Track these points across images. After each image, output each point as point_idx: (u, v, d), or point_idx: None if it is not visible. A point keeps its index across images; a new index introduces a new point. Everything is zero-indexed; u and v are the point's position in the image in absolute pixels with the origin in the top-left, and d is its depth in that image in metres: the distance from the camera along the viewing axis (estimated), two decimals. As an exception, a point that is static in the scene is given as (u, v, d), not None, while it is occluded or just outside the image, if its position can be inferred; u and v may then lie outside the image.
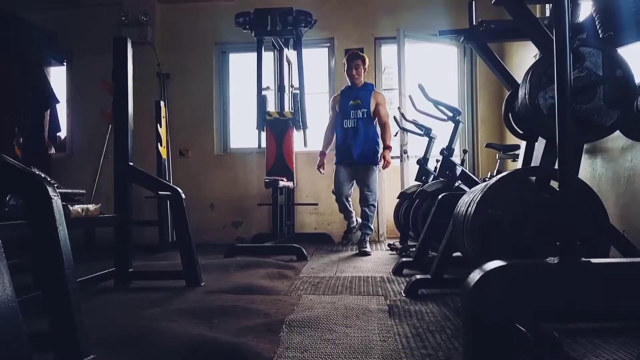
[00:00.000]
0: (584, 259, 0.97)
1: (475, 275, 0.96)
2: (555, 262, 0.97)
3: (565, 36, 1.51)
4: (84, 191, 2.05)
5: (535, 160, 1.84)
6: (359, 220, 4.17)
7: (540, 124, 1.61)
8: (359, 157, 3.96)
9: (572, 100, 1.57)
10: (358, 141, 3.97)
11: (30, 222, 1.46)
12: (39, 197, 1.40)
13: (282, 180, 4.00)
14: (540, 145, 1.88)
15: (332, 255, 3.97)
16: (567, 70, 1.43)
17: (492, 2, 2.23)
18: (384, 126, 4.00)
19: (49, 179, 3.13)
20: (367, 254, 3.86)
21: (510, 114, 2.06)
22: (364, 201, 3.99)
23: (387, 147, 3.96)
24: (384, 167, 3.94)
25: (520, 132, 2.05)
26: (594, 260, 0.97)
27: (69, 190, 1.91)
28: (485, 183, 1.74)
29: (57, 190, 1.48)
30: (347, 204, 4.08)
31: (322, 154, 4.18)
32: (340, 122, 4.05)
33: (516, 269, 0.97)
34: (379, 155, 4.00)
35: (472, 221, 1.63)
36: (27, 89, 4.68)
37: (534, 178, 1.72)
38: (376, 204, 4.06)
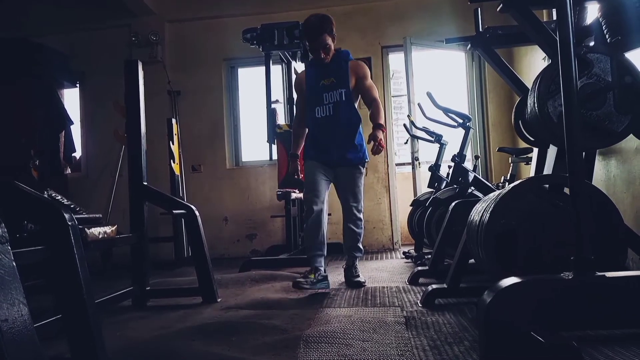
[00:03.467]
0: (598, 274, 0.96)
1: (491, 292, 0.96)
2: (570, 277, 0.97)
3: (569, 44, 1.51)
4: (100, 215, 2.09)
5: (548, 167, 1.83)
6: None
7: (550, 132, 1.61)
8: (341, 157, 2.86)
9: (582, 107, 1.56)
10: (338, 135, 2.84)
11: (49, 249, 1.50)
12: (56, 224, 1.43)
13: (295, 192, 4.02)
14: (552, 151, 1.87)
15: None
16: (573, 76, 1.43)
17: (498, 9, 2.24)
18: (372, 104, 2.87)
19: (65, 201, 3.19)
20: (361, 284, 2.85)
21: (520, 121, 2.05)
22: (350, 215, 2.89)
23: (378, 126, 2.77)
24: (375, 151, 2.73)
25: (531, 139, 2.04)
26: (608, 274, 0.96)
27: (86, 216, 1.95)
28: (498, 192, 1.73)
29: (74, 217, 1.51)
30: (322, 216, 2.84)
31: (294, 156, 3.03)
32: (311, 111, 2.88)
33: (531, 286, 0.97)
34: (365, 150, 2.94)
35: (486, 231, 1.63)
36: (42, 111, 4.78)
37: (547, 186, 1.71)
38: (362, 216, 2.96)
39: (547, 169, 1.84)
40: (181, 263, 4.40)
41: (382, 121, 2.83)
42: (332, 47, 2.85)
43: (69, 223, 1.44)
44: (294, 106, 3.18)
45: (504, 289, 0.95)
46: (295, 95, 3.33)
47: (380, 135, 2.73)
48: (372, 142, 2.72)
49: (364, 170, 2.96)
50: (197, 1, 5.30)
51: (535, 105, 1.66)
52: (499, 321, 0.95)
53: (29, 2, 5.20)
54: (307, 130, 3.02)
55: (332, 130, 2.85)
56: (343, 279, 3.00)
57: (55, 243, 1.48)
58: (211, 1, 5.28)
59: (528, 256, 1.54)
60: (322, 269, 2.76)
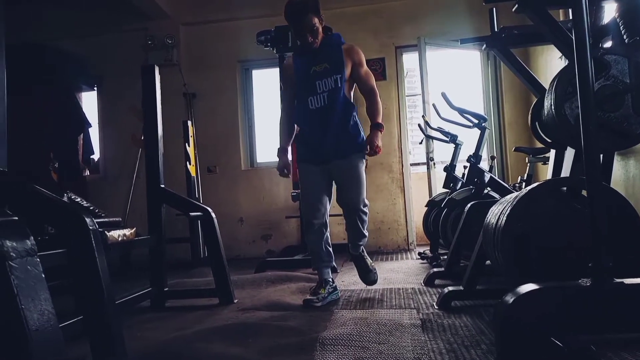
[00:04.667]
0: (617, 280, 0.96)
1: (509, 298, 0.96)
2: (588, 284, 0.96)
3: (585, 45, 1.50)
4: (120, 219, 2.13)
5: (566, 169, 1.81)
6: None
7: (568, 134, 1.59)
8: (336, 149, 2.53)
9: (599, 109, 1.55)
10: (332, 128, 2.50)
11: (70, 253, 1.53)
12: (78, 228, 1.46)
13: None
14: (570, 153, 1.85)
15: (362, 266, 3.96)
16: (590, 78, 1.42)
17: (513, 9, 2.22)
18: (369, 94, 2.57)
19: (85, 203, 3.25)
20: (372, 278, 2.75)
21: (537, 123, 2.03)
22: (352, 208, 2.57)
23: (377, 126, 2.50)
24: (371, 154, 2.47)
25: (548, 140, 2.02)
26: (627, 281, 0.96)
27: (106, 219, 1.99)
28: (515, 195, 1.72)
29: (95, 221, 1.54)
30: (324, 228, 2.62)
31: (283, 150, 2.67)
32: (302, 102, 2.56)
33: (549, 293, 0.97)
34: (363, 137, 2.58)
35: (503, 234, 1.62)
36: (61, 114, 4.88)
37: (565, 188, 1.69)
38: (367, 208, 2.64)
39: (565, 171, 1.82)
40: (197, 263, 4.45)
41: (380, 119, 2.55)
42: (321, 31, 2.49)
43: (90, 227, 1.47)
44: (280, 100, 2.71)
45: (522, 295, 0.95)
46: (281, 88, 2.92)
47: (378, 139, 2.47)
48: (368, 148, 2.46)
49: (363, 160, 2.60)
50: (211, 4, 5.35)
51: (552, 107, 1.65)
52: (517, 327, 0.95)
53: (47, 8, 5.30)
54: (295, 125, 2.70)
55: (327, 121, 2.50)
56: (358, 279, 2.97)
57: (77, 246, 1.51)
58: (225, 4, 5.32)
59: (545, 260, 1.53)
60: (331, 279, 2.63)
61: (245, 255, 5.17)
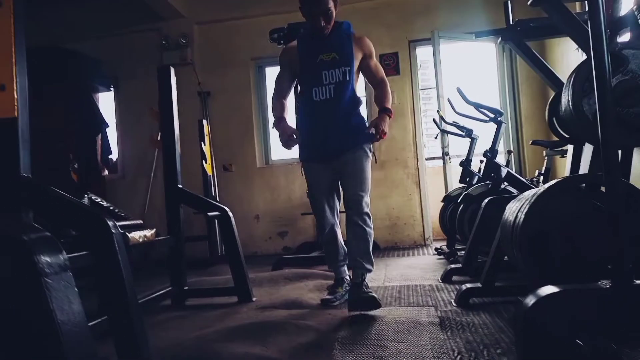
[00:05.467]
0: (637, 282, 0.95)
1: (529, 301, 0.97)
2: (608, 286, 0.96)
3: (602, 40, 1.48)
4: (141, 221, 2.17)
5: (584, 165, 1.80)
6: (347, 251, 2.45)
7: (586, 130, 1.58)
8: (341, 143, 2.35)
9: (617, 104, 1.53)
10: (337, 122, 2.34)
11: (94, 255, 1.57)
12: (101, 232, 1.50)
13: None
14: (588, 148, 1.83)
15: (378, 262, 3.97)
16: (607, 73, 1.40)
17: (529, 2, 2.20)
18: (379, 85, 2.43)
19: (104, 203, 3.31)
20: (375, 301, 2.14)
21: (554, 118, 2.01)
22: (355, 208, 2.31)
23: (384, 110, 2.34)
24: (375, 138, 2.29)
25: (566, 135, 2.00)
26: (649, 283, 0.95)
27: (127, 223, 2.04)
28: (533, 192, 1.71)
29: (117, 224, 1.58)
30: (335, 229, 2.48)
31: (280, 119, 2.35)
32: (306, 92, 2.39)
33: (568, 295, 0.97)
34: (369, 130, 2.34)
35: (521, 232, 1.61)
36: (79, 116, 4.96)
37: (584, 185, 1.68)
38: (370, 214, 2.35)
39: (584, 167, 1.80)
40: (215, 260, 4.50)
41: (389, 104, 2.38)
42: (334, 16, 2.33)
43: (113, 231, 1.51)
44: (275, 82, 2.50)
45: (542, 298, 0.95)
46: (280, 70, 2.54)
47: (384, 123, 2.28)
48: (372, 129, 2.28)
49: (370, 154, 2.41)
50: (224, 3, 5.37)
51: (570, 103, 1.63)
52: (537, 329, 0.95)
53: (62, 11, 5.38)
54: (284, 101, 2.44)
55: (332, 116, 2.33)
56: (375, 275, 2.94)
57: (100, 249, 1.55)
58: (238, 2, 5.34)
59: (564, 259, 1.52)
60: (347, 277, 2.51)
61: (262, 252, 5.22)
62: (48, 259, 0.78)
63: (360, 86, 3.30)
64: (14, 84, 1.53)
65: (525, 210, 1.62)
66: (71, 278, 0.86)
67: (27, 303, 0.73)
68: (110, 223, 1.54)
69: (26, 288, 0.72)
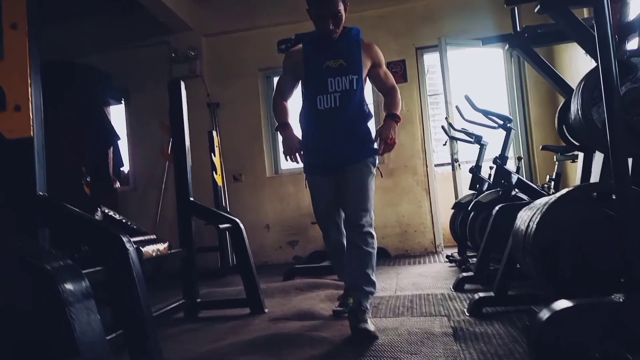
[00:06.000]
0: (652, 296, 0.95)
1: (543, 315, 0.97)
2: (621, 300, 0.96)
3: (608, 46, 1.48)
4: (154, 236, 2.20)
5: (595, 173, 1.79)
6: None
7: (596, 138, 1.57)
8: (344, 156, 2.21)
9: (627, 112, 1.53)
10: (342, 134, 2.19)
11: (110, 271, 1.59)
12: (116, 249, 1.52)
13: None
14: (599, 156, 1.82)
15: (389, 270, 3.97)
16: (614, 81, 1.41)
17: (535, 10, 2.20)
18: (389, 92, 2.30)
19: (117, 216, 3.35)
20: (370, 335, 1.93)
21: (564, 126, 2.01)
22: (354, 226, 2.13)
23: (392, 117, 2.20)
24: (384, 150, 2.17)
25: (576, 143, 1.99)
26: (664, 296, 0.95)
27: (141, 238, 2.07)
28: (545, 201, 1.71)
29: (132, 240, 1.60)
30: (342, 238, 2.32)
31: (285, 125, 2.30)
32: (310, 100, 2.23)
33: (582, 309, 0.97)
34: (375, 143, 2.24)
35: (533, 242, 1.61)
36: (90, 129, 5.03)
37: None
38: (374, 232, 2.17)
39: (595, 175, 1.80)
40: (227, 271, 4.52)
41: (397, 110, 2.24)
42: (344, 20, 2.19)
43: (128, 247, 1.53)
44: (277, 83, 2.44)
45: (556, 312, 0.95)
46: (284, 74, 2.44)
47: (391, 130, 2.14)
48: (378, 139, 2.16)
49: (374, 169, 2.25)
50: (232, 15, 5.43)
51: (579, 111, 1.63)
52: (552, 342, 0.95)
53: (74, 27, 5.48)
54: (286, 104, 2.38)
55: (336, 126, 2.18)
56: (386, 285, 2.94)
57: (116, 266, 1.57)
58: (245, 14, 5.40)
59: (577, 268, 1.51)
60: None
61: (273, 262, 5.23)
62: (71, 288, 0.80)
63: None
64: (30, 105, 1.57)
65: (537, 220, 1.62)
66: (94, 305, 0.88)
67: (51, 332, 0.74)
68: (125, 239, 1.56)
69: (51, 317, 0.74)
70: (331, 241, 2.39)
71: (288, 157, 2.26)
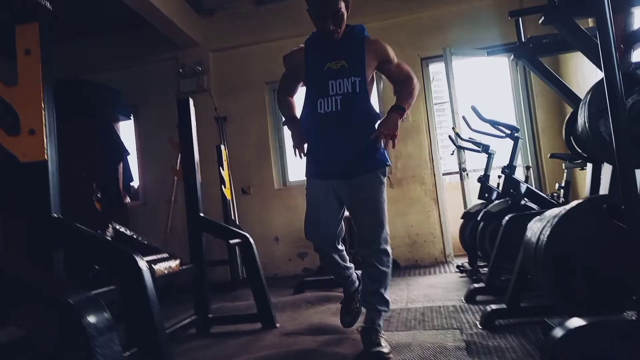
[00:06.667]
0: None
1: (556, 333, 0.97)
2: (634, 318, 0.96)
3: (612, 57, 1.49)
4: (167, 254, 2.22)
5: (604, 184, 1.79)
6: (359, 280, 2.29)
7: (604, 151, 1.57)
8: (350, 165, 2.07)
9: (633, 124, 1.53)
10: (346, 138, 2.05)
11: (123, 291, 1.61)
12: (130, 270, 1.54)
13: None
14: (607, 167, 1.82)
15: (400, 281, 3.96)
16: (619, 93, 1.42)
17: (540, 21, 2.22)
18: (404, 83, 2.14)
19: (128, 232, 3.37)
20: (383, 357, 1.88)
21: (572, 137, 2.01)
22: (369, 246, 2.04)
23: (396, 109, 2.05)
24: (386, 143, 2.03)
25: (584, 155, 1.99)
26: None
27: (154, 257, 2.09)
28: (555, 213, 1.70)
29: (145, 260, 1.62)
30: (335, 252, 2.14)
31: (292, 118, 2.23)
32: (310, 104, 2.10)
33: (595, 328, 0.97)
34: (384, 152, 2.11)
35: (544, 255, 1.61)
36: (101, 145, 5.09)
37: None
38: (390, 249, 2.09)
39: (604, 186, 1.79)
40: (237, 285, 4.53)
41: (405, 102, 2.07)
42: (345, 19, 2.05)
43: (142, 267, 1.55)
44: (280, 80, 2.33)
45: (569, 330, 0.95)
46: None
47: (391, 123, 1.98)
48: (379, 131, 1.99)
49: (385, 180, 2.10)
50: (238, 30, 5.49)
51: (586, 124, 1.64)
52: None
53: (82, 45, 5.57)
54: (291, 99, 2.29)
55: (338, 131, 2.04)
56: (397, 297, 2.93)
57: (130, 286, 1.59)
58: (251, 28, 5.46)
59: (588, 280, 1.51)
60: (358, 288, 2.29)
61: (283, 274, 5.23)
62: (95, 322, 0.81)
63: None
64: (44, 129, 1.60)
65: (547, 233, 1.62)
66: (116, 337, 0.89)
67: (75, 364, 0.77)
68: (138, 259, 1.58)
69: (76, 351, 0.76)
70: (321, 252, 2.15)
71: (296, 152, 2.16)
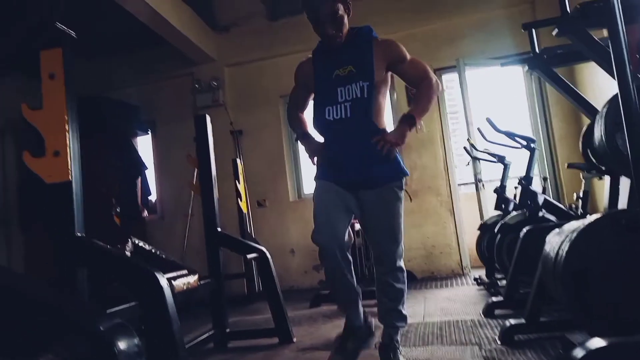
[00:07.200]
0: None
1: (577, 354, 0.97)
2: (658, 339, 0.95)
3: (625, 67, 1.49)
4: (186, 271, 2.25)
5: (623, 198, 1.77)
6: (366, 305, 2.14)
7: (621, 165, 1.56)
8: (364, 176, 1.95)
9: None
10: (358, 145, 1.93)
11: (144, 308, 1.64)
12: (151, 288, 1.57)
13: (357, 222, 4.06)
14: (626, 180, 1.80)
15: (416, 294, 3.94)
16: (633, 103, 1.42)
17: (553, 33, 2.22)
18: (420, 85, 2.00)
19: (147, 247, 3.42)
20: None
21: (589, 150, 2.00)
22: (385, 264, 1.98)
23: (406, 120, 1.91)
24: (388, 147, 1.86)
25: (602, 167, 1.98)
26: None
27: (174, 274, 2.13)
28: (573, 227, 1.69)
29: (165, 277, 1.65)
30: (343, 257, 1.91)
31: (304, 135, 2.10)
32: (320, 112, 2.01)
33: (616, 349, 0.96)
34: (401, 163, 1.99)
35: (563, 271, 1.60)
36: (120, 161, 5.19)
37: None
38: (403, 263, 2.02)
39: (622, 200, 1.78)
40: (253, 298, 4.55)
41: (420, 113, 1.93)
42: (346, 22, 1.96)
43: (163, 285, 1.58)
44: (290, 95, 2.26)
45: (590, 351, 0.95)
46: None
47: (400, 135, 1.87)
48: (383, 137, 1.86)
49: (402, 193, 1.98)
50: (252, 45, 5.58)
51: (603, 137, 1.63)
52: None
53: (101, 63, 5.71)
54: (302, 115, 2.20)
55: (349, 138, 1.93)
56: (414, 311, 2.92)
57: (150, 302, 1.62)
58: (264, 43, 5.54)
59: (608, 296, 1.49)
60: (361, 324, 2.03)
61: (298, 286, 5.24)
62: (126, 348, 0.84)
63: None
64: (68, 150, 1.65)
65: (566, 248, 1.61)
66: None
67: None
68: (159, 277, 1.61)
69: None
70: (330, 264, 1.92)
71: (312, 162, 2.07)
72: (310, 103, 2.16)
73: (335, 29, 1.93)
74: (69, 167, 1.64)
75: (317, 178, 2.05)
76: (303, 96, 2.18)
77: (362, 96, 1.92)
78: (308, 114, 2.24)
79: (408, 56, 2.02)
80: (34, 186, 1.68)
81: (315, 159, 2.03)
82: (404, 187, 1.99)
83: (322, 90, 2.03)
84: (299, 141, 2.16)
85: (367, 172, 1.93)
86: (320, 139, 2.06)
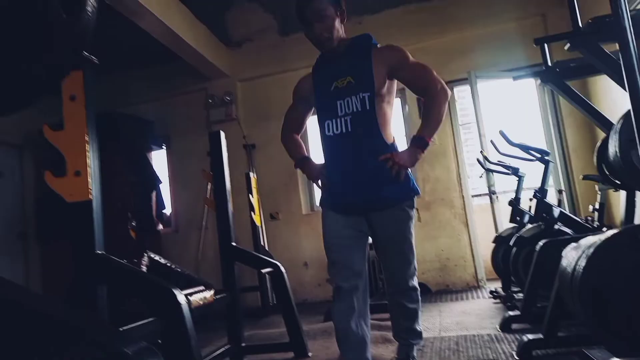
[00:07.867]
0: None
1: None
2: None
3: (637, 83, 1.49)
4: (203, 287, 2.28)
5: (639, 213, 1.76)
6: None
7: (637, 180, 1.56)
8: (372, 197, 1.84)
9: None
10: (362, 166, 1.83)
11: (162, 324, 1.67)
12: (170, 304, 1.60)
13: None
14: (643, 194, 1.80)
15: (431, 307, 3.91)
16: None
17: (565, 47, 2.23)
18: (427, 93, 1.89)
19: (162, 260, 3.46)
20: None
21: (603, 164, 1.99)
22: (397, 284, 1.94)
23: (417, 141, 1.81)
24: (397, 170, 1.77)
25: (617, 182, 1.97)
26: None
27: (190, 291, 2.15)
28: (590, 242, 1.68)
29: (183, 293, 1.68)
30: (354, 296, 1.84)
31: (302, 160, 2.05)
32: (320, 127, 1.94)
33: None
34: (413, 181, 1.90)
35: (580, 287, 1.59)
36: (135, 175, 5.27)
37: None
38: (417, 283, 1.97)
39: (639, 215, 1.77)
40: (268, 312, 4.55)
41: (431, 133, 1.80)
42: (339, 27, 1.89)
43: (181, 302, 1.61)
44: (284, 118, 2.20)
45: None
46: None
47: (410, 159, 1.77)
48: (392, 156, 1.77)
49: (413, 213, 1.89)
50: (265, 60, 5.66)
51: (618, 153, 1.63)
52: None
53: (117, 80, 5.82)
54: (298, 137, 2.15)
55: (349, 155, 1.83)
56: (430, 325, 2.91)
57: (169, 318, 1.65)
58: (277, 58, 5.61)
59: (626, 312, 1.48)
60: None
61: (312, 299, 5.23)
62: None
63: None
64: (88, 170, 1.69)
65: (583, 264, 1.60)
66: None
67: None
68: (177, 294, 1.64)
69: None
70: (341, 291, 1.80)
71: (317, 185, 2.01)
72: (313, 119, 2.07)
73: (323, 29, 1.86)
74: (89, 187, 1.68)
75: (322, 204, 1.97)
76: (301, 114, 2.10)
77: (364, 109, 1.82)
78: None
79: (411, 59, 1.91)
80: (54, 203, 1.72)
81: (319, 181, 1.95)
82: (415, 206, 1.92)
83: (321, 104, 1.94)
84: (298, 168, 2.09)
85: (376, 193, 1.83)
86: (321, 159, 1.98)
